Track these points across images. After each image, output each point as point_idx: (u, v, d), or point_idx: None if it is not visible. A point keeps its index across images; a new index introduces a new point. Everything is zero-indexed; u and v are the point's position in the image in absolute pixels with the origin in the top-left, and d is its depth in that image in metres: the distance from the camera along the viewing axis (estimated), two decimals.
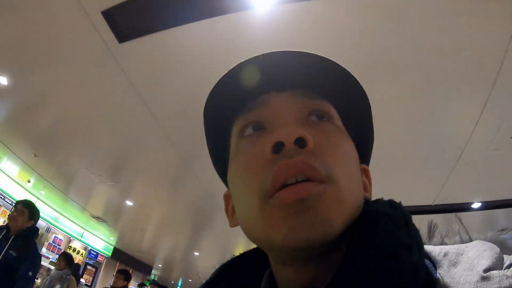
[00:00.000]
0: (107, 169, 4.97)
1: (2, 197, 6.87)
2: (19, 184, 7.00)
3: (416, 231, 0.32)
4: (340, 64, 0.37)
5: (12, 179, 6.85)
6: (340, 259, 0.30)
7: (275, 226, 0.31)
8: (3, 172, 6.60)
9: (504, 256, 0.29)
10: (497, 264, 0.27)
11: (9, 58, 3.01)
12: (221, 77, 0.38)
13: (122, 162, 4.77)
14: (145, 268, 12.36)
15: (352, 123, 0.41)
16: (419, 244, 0.31)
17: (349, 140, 0.38)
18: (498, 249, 0.30)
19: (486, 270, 0.27)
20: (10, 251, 2.33)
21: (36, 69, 3.08)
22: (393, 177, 3.26)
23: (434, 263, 0.31)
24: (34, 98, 3.64)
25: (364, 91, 0.39)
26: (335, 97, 0.39)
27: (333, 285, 0.28)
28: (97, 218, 7.66)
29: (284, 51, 0.36)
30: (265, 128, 0.37)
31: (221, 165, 0.44)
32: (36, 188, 7.01)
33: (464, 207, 3.63)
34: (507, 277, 0.25)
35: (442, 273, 0.29)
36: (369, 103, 0.41)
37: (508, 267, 0.27)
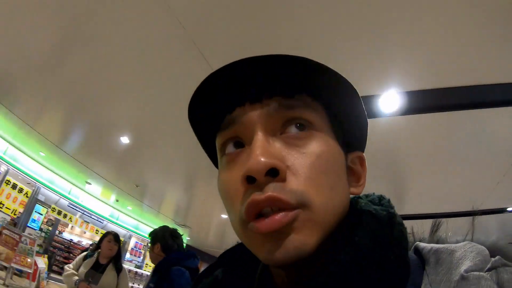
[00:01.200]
0: (181, 176, 5.71)
1: (88, 215, 8.14)
2: (103, 202, 8.18)
3: (400, 230, 0.33)
4: (313, 59, 0.35)
5: (97, 198, 8.04)
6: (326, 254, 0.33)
7: (255, 249, 0.34)
8: (88, 192, 7.78)
9: (492, 259, 0.29)
10: (480, 267, 0.28)
11: None
12: (195, 89, 0.37)
13: (192, 170, 5.43)
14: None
15: (341, 115, 0.40)
16: (401, 242, 0.32)
17: (331, 145, 0.37)
18: (486, 252, 0.30)
19: (467, 270, 0.27)
20: (150, 284, 2.12)
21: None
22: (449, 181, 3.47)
23: (424, 259, 0.32)
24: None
25: (344, 79, 0.36)
26: (316, 94, 0.38)
27: (311, 285, 0.30)
28: (182, 225, 8.59)
29: (252, 57, 0.35)
30: (244, 144, 0.37)
31: (215, 162, 0.44)
32: (122, 205, 8.14)
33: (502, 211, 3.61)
34: (485, 279, 0.26)
35: (429, 270, 0.30)
36: (354, 91, 0.38)
37: (489, 270, 0.27)
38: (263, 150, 0.33)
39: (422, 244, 0.35)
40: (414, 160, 3.40)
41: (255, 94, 0.37)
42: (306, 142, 0.35)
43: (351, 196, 0.40)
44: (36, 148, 5.94)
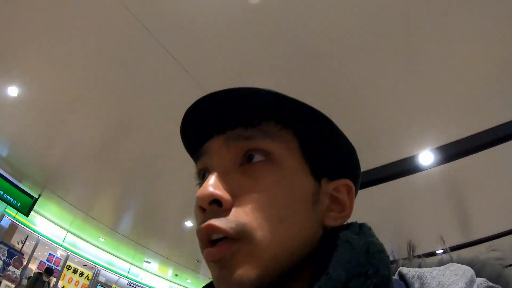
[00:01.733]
0: None
1: None
2: (162, 277, 7.84)
3: (380, 258, 0.32)
4: (273, 90, 0.36)
5: (155, 274, 7.71)
6: (302, 284, 0.34)
7: (211, 275, 0.35)
8: (145, 270, 7.50)
9: (477, 279, 0.31)
10: None
11: None
12: (180, 126, 0.41)
13: None
14: None
15: (314, 143, 0.39)
16: (380, 271, 0.31)
17: (290, 175, 0.36)
18: (471, 273, 0.31)
19: None
20: None
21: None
22: None
23: (408, 285, 0.34)
24: None
25: (313, 108, 0.37)
26: (284, 122, 0.38)
27: None
28: None
29: (216, 92, 0.36)
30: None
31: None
32: (181, 278, 7.82)
33: None
34: None
35: None
36: (326, 119, 0.38)
37: None
38: (212, 181, 0.35)
39: (405, 269, 0.36)
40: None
41: (220, 126, 0.38)
42: (261, 173, 0.36)
43: (335, 226, 0.39)
44: (93, 234, 5.98)
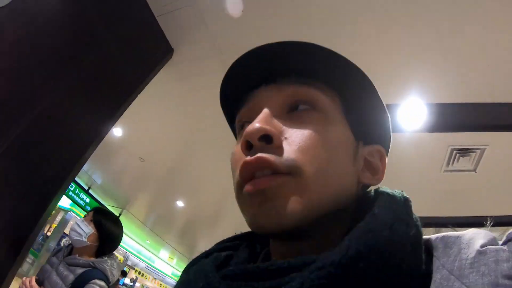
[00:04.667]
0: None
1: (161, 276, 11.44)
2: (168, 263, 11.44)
3: (414, 214, 0.32)
4: (326, 47, 0.37)
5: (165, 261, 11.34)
6: (335, 238, 0.32)
7: (245, 212, 0.35)
8: (161, 259, 11.04)
9: (507, 232, 0.28)
10: (493, 243, 0.28)
11: None
12: (223, 76, 0.41)
13: None
14: None
15: (355, 105, 0.40)
16: (417, 222, 0.31)
17: (336, 126, 0.38)
18: (493, 235, 0.29)
19: (483, 245, 0.27)
20: None
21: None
22: None
23: (430, 248, 0.31)
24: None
25: (361, 72, 0.38)
26: (330, 82, 0.39)
27: (327, 258, 0.27)
28: None
29: (270, 43, 0.37)
30: None
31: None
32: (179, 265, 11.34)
33: None
34: (503, 250, 0.26)
35: (438, 254, 0.29)
36: (371, 85, 0.39)
37: (505, 243, 0.27)
38: (261, 119, 0.35)
39: (428, 236, 0.33)
40: None
41: (270, 77, 0.39)
42: (310, 120, 0.37)
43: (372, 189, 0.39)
44: (142, 236, 9.04)
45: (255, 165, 0.33)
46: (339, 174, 0.36)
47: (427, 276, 0.28)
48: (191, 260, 0.41)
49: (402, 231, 0.29)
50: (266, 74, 0.40)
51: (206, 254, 0.41)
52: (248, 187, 0.34)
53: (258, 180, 0.33)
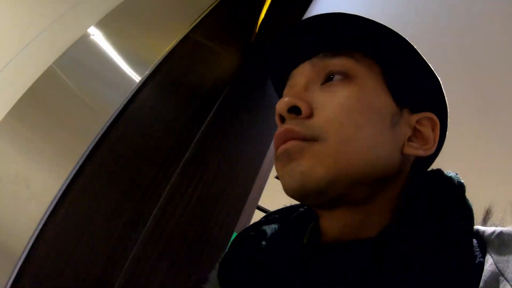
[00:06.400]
0: None
1: None
2: None
3: (467, 201, 0.32)
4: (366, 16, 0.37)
5: None
6: (381, 211, 0.33)
7: (280, 180, 0.36)
8: None
9: None
10: None
11: None
12: (269, 52, 0.43)
13: None
14: None
15: (397, 73, 0.39)
16: (470, 212, 0.31)
17: (370, 91, 0.37)
18: None
19: None
20: None
21: None
22: None
23: (484, 242, 0.30)
24: None
25: (397, 35, 0.38)
26: (368, 51, 0.39)
27: (386, 235, 0.28)
28: None
29: (306, 18, 0.39)
30: None
31: None
32: None
33: None
34: None
35: (491, 251, 0.28)
36: (414, 50, 0.39)
37: None
38: (291, 93, 0.38)
39: (482, 228, 0.32)
40: None
41: (307, 52, 0.40)
42: (341, 88, 0.37)
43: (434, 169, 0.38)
44: None
45: (283, 135, 0.35)
46: (373, 141, 0.35)
47: (479, 266, 0.27)
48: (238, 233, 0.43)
49: (454, 223, 0.30)
50: (303, 50, 0.41)
51: (252, 227, 0.43)
52: (275, 154, 0.37)
53: (285, 144, 0.35)
